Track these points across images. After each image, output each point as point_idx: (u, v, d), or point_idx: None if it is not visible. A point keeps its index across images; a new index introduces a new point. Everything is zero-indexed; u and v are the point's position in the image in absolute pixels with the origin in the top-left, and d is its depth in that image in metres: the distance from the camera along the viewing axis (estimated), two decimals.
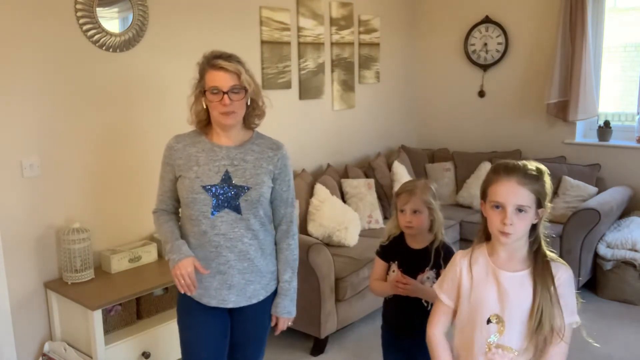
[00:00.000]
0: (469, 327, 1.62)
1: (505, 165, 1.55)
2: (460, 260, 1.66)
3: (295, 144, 4.06)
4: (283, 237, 2.06)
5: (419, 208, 2.09)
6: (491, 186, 1.55)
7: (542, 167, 1.57)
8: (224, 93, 1.85)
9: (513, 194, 1.50)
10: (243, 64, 1.91)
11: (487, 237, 1.63)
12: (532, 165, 1.55)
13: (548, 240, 1.61)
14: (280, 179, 2.01)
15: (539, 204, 1.53)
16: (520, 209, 1.50)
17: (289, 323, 2.09)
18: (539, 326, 1.52)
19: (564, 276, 1.56)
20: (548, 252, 1.59)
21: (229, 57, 1.90)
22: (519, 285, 1.56)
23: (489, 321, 1.58)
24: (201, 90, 1.91)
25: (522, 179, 1.51)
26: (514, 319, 1.56)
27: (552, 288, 1.53)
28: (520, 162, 1.56)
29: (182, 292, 1.91)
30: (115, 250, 2.98)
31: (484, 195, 1.60)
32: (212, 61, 1.88)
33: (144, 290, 2.73)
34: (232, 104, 1.86)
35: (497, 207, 1.52)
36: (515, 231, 1.51)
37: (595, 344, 2.02)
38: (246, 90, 1.90)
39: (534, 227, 1.57)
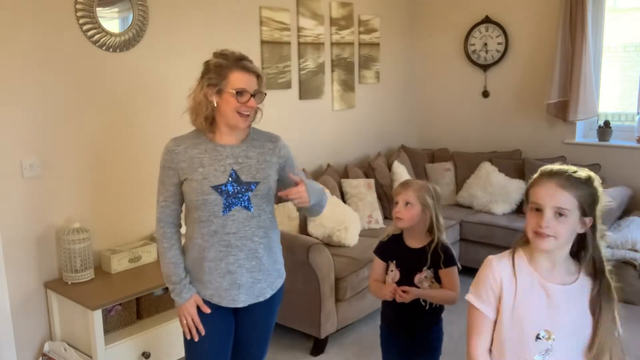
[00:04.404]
0: (511, 342, 1.50)
1: (551, 169, 1.49)
2: (498, 266, 1.52)
3: (295, 144, 4.03)
4: None
5: (411, 201, 2.10)
6: (532, 188, 1.49)
7: (592, 174, 1.48)
8: (252, 95, 1.88)
9: (551, 195, 1.43)
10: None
11: (526, 242, 1.54)
12: (581, 171, 1.47)
13: (606, 258, 1.51)
14: (288, 166, 2.05)
15: (584, 212, 1.44)
16: (560, 213, 1.42)
17: (297, 198, 1.87)
18: (599, 356, 1.46)
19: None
20: (609, 278, 1.49)
21: (247, 59, 1.93)
22: (566, 299, 1.48)
23: (537, 337, 1.48)
24: (220, 89, 1.88)
25: (564, 182, 1.43)
26: (563, 337, 1.47)
27: (618, 321, 1.46)
28: (567, 167, 1.48)
29: (188, 337, 2.00)
30: (115, 250, 2.98)
31: (526, 199, 1.52)
32: (240, 62, 1.89)
33: (144, 290, 2.73)
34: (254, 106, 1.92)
35: (537, 209, 1.46)
36: (555, 234, 1.43)
37: None
38: (264, 95, 1.95)
39: (581, 238, 1.48)
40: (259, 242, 1.97)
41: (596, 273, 1.49)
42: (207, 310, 1.97)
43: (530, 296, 1.48)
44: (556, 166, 1.50)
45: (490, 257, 1.55)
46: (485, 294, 1.52)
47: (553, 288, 1.48)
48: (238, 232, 1.93)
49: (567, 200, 1.43)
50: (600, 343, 1.45)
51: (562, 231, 1.43)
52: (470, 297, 1.55)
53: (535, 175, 1.52)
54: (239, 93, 1.87)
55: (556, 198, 1.43)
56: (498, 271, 1.51)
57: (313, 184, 1.98)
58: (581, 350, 1.50)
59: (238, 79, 1.87)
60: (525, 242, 1.54)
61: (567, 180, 1.44)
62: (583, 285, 1.50)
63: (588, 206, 1.44)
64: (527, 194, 1.52)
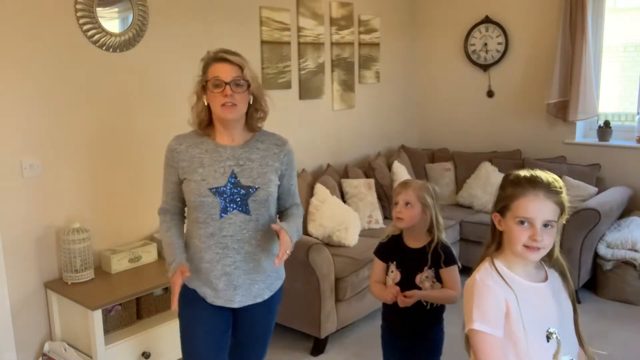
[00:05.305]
0: (531, 351, 1.43)
1: (529, 179, 1.45)
2: (495, 284, 1.45)
3: (295, 144, 4.00)
4: (293, 205, 2.08)
5: (411, 201, 2.10)
6: (516, 201, 1.44)
7: (557, 176, 1.49)
8: (226, 84, 1.84)
9: (543, 208, 1.42)
10: (246, 60, 1.92)
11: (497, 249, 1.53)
12: (549, 175, 1.47)
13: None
14: (287, 174, 2.03)
15: (560, 216, 1.46)
16: (546, 224, 1.42)
17: (288, 252, 1.88)
18: (584, 343, 1.49)
19: None
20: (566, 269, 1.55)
21: (233, 52, 1.91)
22: (552, 294, 1.50)
23: (548, 339, 1.46)
24: (203, 84, 1.89)
25: (549, 193, 1.43)
26: (564, 331, 1.48)
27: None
28: (536, 173, 1.47)
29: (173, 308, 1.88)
30: (115, 250, 2.98)
31: (502, 209, 1.48)
32: (217, 55, 1.89)
33: (144, 290, 2.73)
34: (234, 96, 1.84)
35: (523, 222, 1.43)
36: (545, 246, 1.44)
37: None
38: (249, 85, 1.89)
39: None
40: (257, 245, 1.95)
41: (559, 265, 1.54)
42: (187, 273, 1.86)
43: (527, 301, 1.45)
44: (527, 173, 1.47)
45: (478, 278, 1.47)
46: (495, 318, 1.42)
47: (538, 287, 1.49)
48: (235, 235, 1.91)
49: (554, 211, 1.44)
50: (580, 331, 1.50)
51: (549, 241, 1.45)
52: (480, 326, 1.40)
53: (513, 186, 1.47)
54: (215, 83, 1.85)
55: (546, 211, 1.43)
56: (497, 289, 1.44)
57: (292, 229, 1.94)
58: (575, 340, 1.52)
59: (214, 70, 1.87)
60: (497, 249, 1.52)
61: (551, 191, 1.44)
62: (554, 277, 1.54)
63: (563, 210, 1.47)
64: (504, 205, 1.47)
